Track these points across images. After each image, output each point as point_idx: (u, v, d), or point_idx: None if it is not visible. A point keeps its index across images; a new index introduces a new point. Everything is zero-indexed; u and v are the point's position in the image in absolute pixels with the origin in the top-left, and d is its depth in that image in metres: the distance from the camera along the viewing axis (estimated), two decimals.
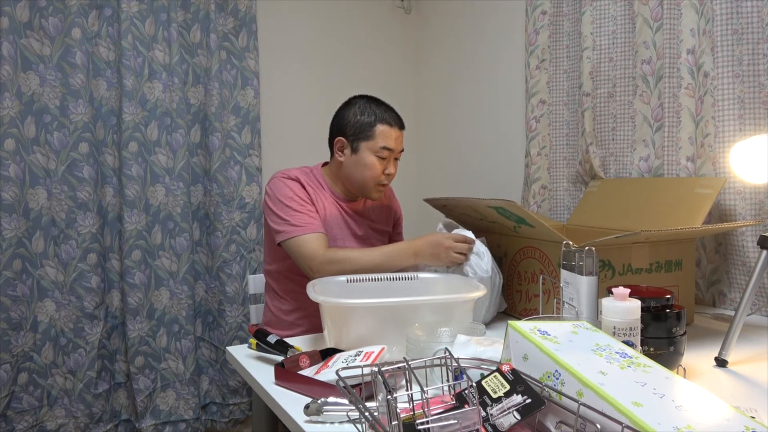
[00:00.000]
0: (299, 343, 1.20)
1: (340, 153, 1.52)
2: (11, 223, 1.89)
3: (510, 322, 0.77)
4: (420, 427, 0.63)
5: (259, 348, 1.13)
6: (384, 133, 1.47)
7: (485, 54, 2.33)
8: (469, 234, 1.38)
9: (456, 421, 0.63)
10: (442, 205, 1.59)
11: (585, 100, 1.76)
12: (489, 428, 0.66)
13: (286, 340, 1.15)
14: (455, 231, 1.40)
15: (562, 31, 1.90)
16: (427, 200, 1.66)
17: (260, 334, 1.14)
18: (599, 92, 1.75)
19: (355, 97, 1.54)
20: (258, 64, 2.30)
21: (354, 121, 1.49)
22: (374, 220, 1.63)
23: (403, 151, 1.54)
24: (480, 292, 1.14)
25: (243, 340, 2.09)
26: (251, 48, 2.27)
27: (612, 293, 0.88)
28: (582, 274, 0.94)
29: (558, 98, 1.93)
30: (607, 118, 1.75)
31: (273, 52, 2.41)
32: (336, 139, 1.52)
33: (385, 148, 1.47)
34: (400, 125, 1.51)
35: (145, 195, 2.09)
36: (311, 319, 1.47)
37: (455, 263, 1.35)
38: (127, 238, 2.05)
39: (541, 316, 1.04)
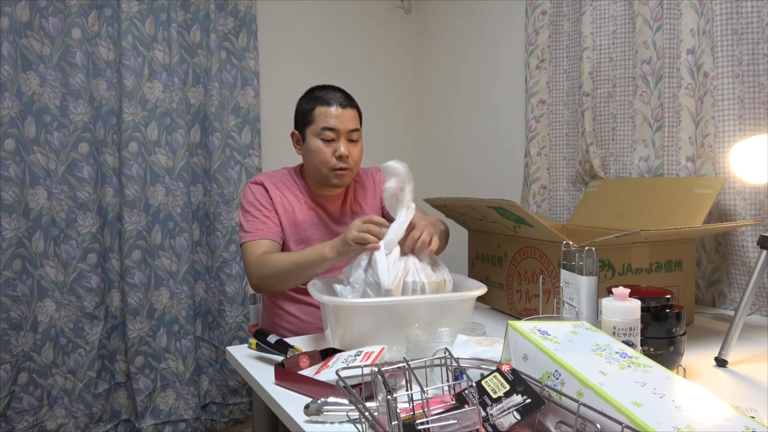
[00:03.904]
0: (299, 343, 1.20)
1: (297, 147, 1.52)
2: (11, 223, 1.89)
3: (510, 322, 0.77)
4: (420, 427, 0.63)
5: (259, 348, 1.13)
6: (323, 114, 1.42)
7: (485, 54, 2.33)
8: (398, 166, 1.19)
9: (456, 421, 0.63)
10: (442, 205, 1.59)
11: (585, 100, 1.76)
12: (489, 428, 0.66)
13: (286, 340, 1.15)
14: (390, 164, 1.21)
15: (562, 31, 1.90)
16: (427, 200, 1.66)
17: (260, 334, 1.14)
18: (599, 92, 1.75)
19: (308, 89, 1.52)
20: (258, 64, 2.30)
21: (299, 111, 1.49)
22: (359, 212, 1.56)
23: (357, 131, 1.46)
24: (481, 290, 1.15)
25: (243, 340, 2.09)
26: (251, 48, 2.27)
27: (612, 293, 0.88)
28: (582, 274, 0.94)
29: (558, 98, 1.93)
30: (607, 118, 1.75)
31: (273, 52, 2.41)
32: (291, 134, 1.53)
33: (326, 128, 1.42)
34: (342, 103, 1.44)
35: (145, 195, 2.09)
36: (299, 323, 1.49)
37: (358, 249, 1.17)
38: (127, 238, 2.05)
39: (541, 316, 1.04)
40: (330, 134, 1.42)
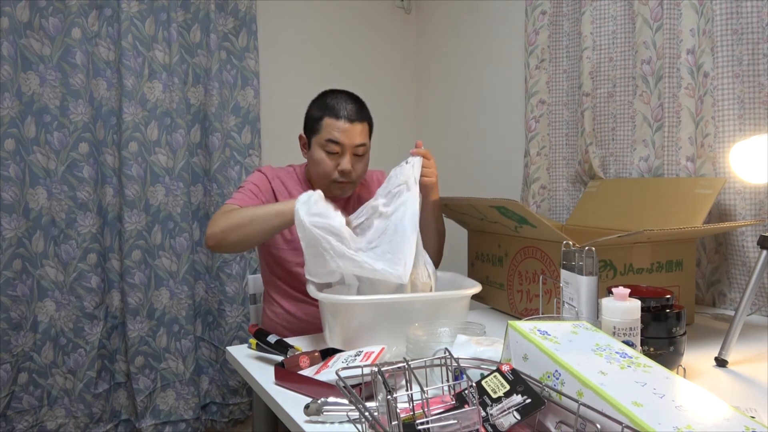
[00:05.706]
0: (299, 343, 1.20)
1: (303, 150, 1.50)
2: (11, 223, 1.89)
3: (510, 322, 0.77)
4: (420, 427, 0.63)
5: (259, 348, 1.13)
6: (330, 126, 1.37)
7: (485, 54, 2.33)
8: None
9: (456, 421, 0.63)
10: (442, 205, 1.59)
11: (585, 100, 1.76)
12: (489, 428, 0.66)
13: (286, 340, 1.15)
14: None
15: (561, 31, 1.90)
16: None
17: (260, 334, 1.14)
18: (599, 92, 1.75)
19: (322, 92, 1.48)
20: (258, 64, 2.30)
21: (308, 116, 1.46)
22: None
23: (363, 146, 1.42)
24: (475, 289, 1.16)
25: (243, 340, 2.09)
26: (251, 48, 2.27)
27: (612, 293, 0.88)
28: (582, 274, 0.94)
29: (558, 98, 1.92)
30: (606, 118, 1.75)
31: (273, 52, 2.41)
32: (299, 136, 1.51)
33: (330, 141, 1.37)
34: (351, 118, 1.38)
35: (145, 195, 2.09)
36: (299, 323, 1.48)
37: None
38: (127, 238, 2.05)
39: (541, 316, 1.04)
40: (335, 147, 1.38)
